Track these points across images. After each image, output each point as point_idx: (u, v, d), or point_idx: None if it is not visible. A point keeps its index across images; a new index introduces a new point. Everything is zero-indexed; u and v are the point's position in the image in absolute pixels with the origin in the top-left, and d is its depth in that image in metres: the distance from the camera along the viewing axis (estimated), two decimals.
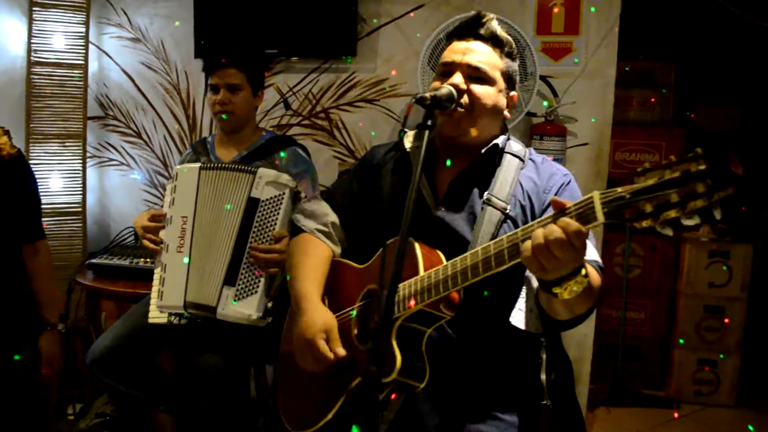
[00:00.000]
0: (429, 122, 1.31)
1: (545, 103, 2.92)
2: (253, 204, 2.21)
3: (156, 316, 2.30)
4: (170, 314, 2.27)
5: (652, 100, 3.99)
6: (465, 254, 1.33)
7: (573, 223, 1.14)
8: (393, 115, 3.27)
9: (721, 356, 3.86)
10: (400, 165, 1.66)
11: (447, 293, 1.34)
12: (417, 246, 1.45)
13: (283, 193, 2.21)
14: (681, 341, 3.91)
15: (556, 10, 2.96)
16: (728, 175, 1.00)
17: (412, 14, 3.18)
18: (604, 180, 3.02)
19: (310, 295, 1.58)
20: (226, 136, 2.60)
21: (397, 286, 1.21)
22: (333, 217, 1.72)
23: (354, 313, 1.54)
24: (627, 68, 3.88)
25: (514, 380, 1.56)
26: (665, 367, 4.08)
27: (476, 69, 1.56)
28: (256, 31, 3.26)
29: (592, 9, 2.91)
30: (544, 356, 1.59)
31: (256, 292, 2.15)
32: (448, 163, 1.61)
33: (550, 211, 1.51)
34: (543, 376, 1.55)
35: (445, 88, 1.48)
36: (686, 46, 4.17)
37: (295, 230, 1.77)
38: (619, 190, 1.10)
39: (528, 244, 1.19)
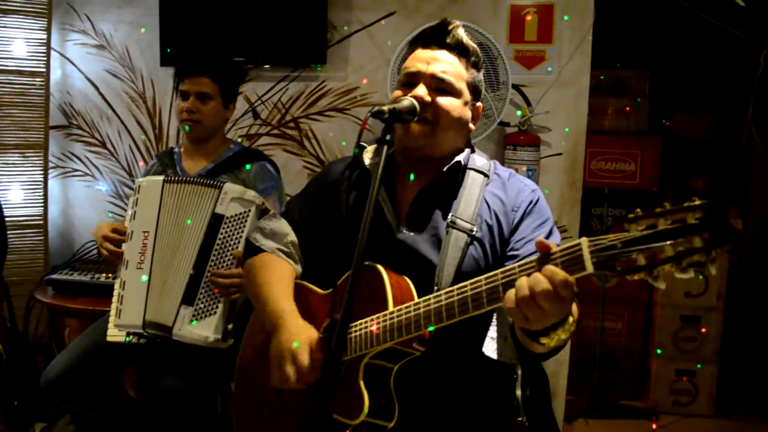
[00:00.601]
0: (388, 137, 1.23)
1: (519, 113, 2.86)
2: (216, 220, 2.13)
3: (114, 334, 2.20)
4: (128, 333, 2.17)
5: (627, 108, 3.95)
6: (439, 292, 1.25)
7: (560, 273, 1.07)
8: None
9: (699, 366, 3.83)
10: (359, 182, 1.58)
11: (419, 333, 1.26)
12: (385, 274, 1.36)
13: (249, 211, 2.13)
14: (659, 351, 3.87)
15: (529, 18, 2.91)
16: (728, 229, 0.94)
17: (383, 22, 3.12)
18: (578, 190, 2.97)
19: (288, 312, 1.47)
20: (192, 147, 2.51)
21: (347, 326, 1.13)
22: (293, 237, 1.63)
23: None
24: (602, 77, 3.85)
25: (488, 399, 1.49)
26: (643, 377, 4.04)
27: (441, 80, 1.48)
28: (224, 38, 3.18)
29: (566, 17, 2.86)
30: (519, 372, 1.53)
31: (215, 313, 2.06)
32: (412, 177, 1.53)
33: (521, 233, 1.46)
34: (518, 392, 1.49)
35: (407, 101, 1.40)
36: (660, 53, 4.15)
37: (252, 250, 1.68)
38: (611, 237, 1.03)
39: (511, 294, 1.11)
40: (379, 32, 3.13)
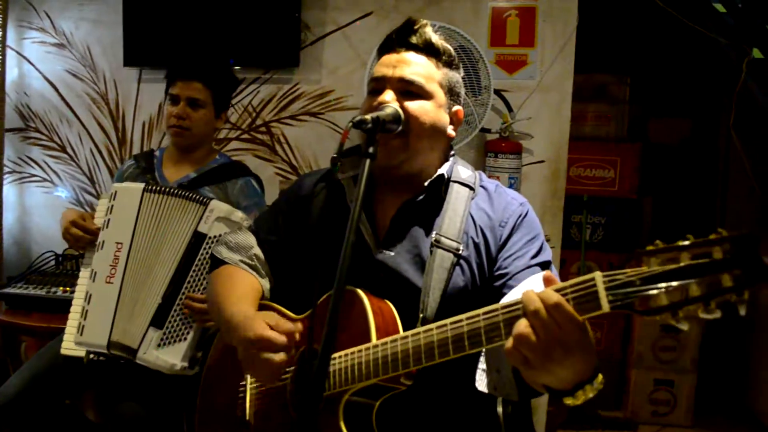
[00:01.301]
0: (371, 149, 1.11)
1: (502, 121, 2.76)
2: (198, 239, 1.99)
3: (71, 348, 2.04)
4: (89, 352, 2.01)
5: (608, 114, 3.89)
6: (430, 326, 1.12)
7: (567, 310, 0.94)
8: (339, 129, 3.08)
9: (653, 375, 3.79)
10: (333, 198, 1.46)
11: (407, 370, 1.13)
12: (366, 300, 1.24)
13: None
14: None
15: (510, 20, 2.81)
16: (760, 267, 0.84)
17: (358, 23, 3.00)
18: (561, 199, 2.89)
19: (251, 315, 1.31)
20: (177, 154, 2.36)
21: (328, 362, 1.00)
22: (257, 250, 1.51)
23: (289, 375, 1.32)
24: (580, 81, 3.78)
25: (469, 418, 1.37)
26: (621, 387, 3.98)
27: (409, 83, 1.36)
28: (192, 38, 3.04)
29: (548, 21, 2.77)
30: None
31: (185, 339, 1.92)
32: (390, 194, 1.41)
33: (509, 249, 1.34)
34: (500, 410, 1.38)
35: (390, 108, 1.28)
36: (640, 58, 4.09)
37: (215, 264, 1.55)
38: (628, 273, 0.92)
39: (510, 341, 0.98)
40: (355, 33, 3.02)
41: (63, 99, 3.31)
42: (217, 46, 3.03)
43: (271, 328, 1.20)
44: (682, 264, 0.88)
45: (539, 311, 0.94)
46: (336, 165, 1.32)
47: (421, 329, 1.13)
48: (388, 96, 1.34)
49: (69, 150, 3.34)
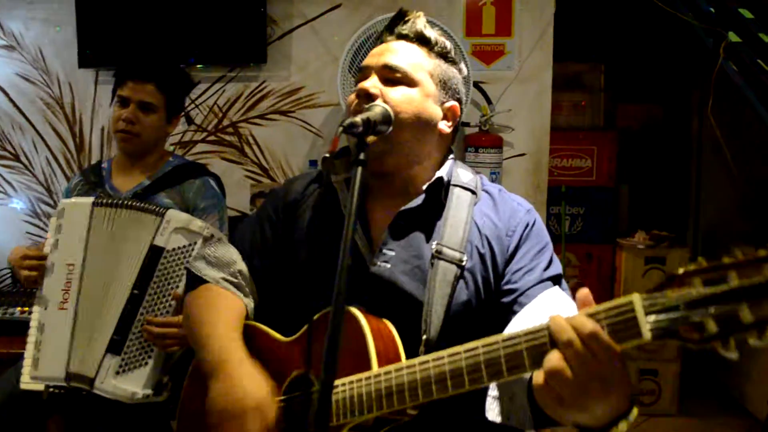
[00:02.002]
0: (362, 156, 0.98)
1: (481, 114, 2.67)
2: (155, 253, 1.83)
3: (29, 381, 1.88)
4: (48, 386, 1.85)
5: (582, 103, 3.83)
6: (440, 353, 1.00)
7: (603, 340, 0.84)
8: (311, 128, 2.95)
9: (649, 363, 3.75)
10: (326, 203, 1.33)
11: (415, 403, 1.02)
12: (363, 321, 1.11)
13: (194, 244, 1.83)
14: None
15: (486, 9, 2.71)
16: None
17: (327, 15, 2.87)
18: (543, 192, 2.81)
19: (233, 355, 1.20)
20: (127, 161, 2.19)
21: (330, 396, 0.88)
22: (241, 265, 1.36)
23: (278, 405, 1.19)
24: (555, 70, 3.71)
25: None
26: None
27: (392, 69, 1.24)
28: (151, 35, 2.89)
29: (525, 8, 2.68)
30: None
31: (146, 364, 1.77)
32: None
33: (518, 262, 1.22)
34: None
35: (378, 107, 1.15)
36: (613, 45, 4.04)
37: (192, 282, 1.39)
38: (671, 295, 0.81)
39: (541, 376, 0.88)
40: (324, 27, 2.90)
41: (14, 104, 3.11)
42: (179, 43, 2.89)
43: None
44: (731, 285, 0.78)
45: (573, 342, 0.84)
46: (329, 168, 1.19)
47: (430, 357, 1.01)
48: (368, 82, 1.23)
49: (23, 158, 3.15)
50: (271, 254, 1.35)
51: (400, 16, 1.30)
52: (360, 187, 0.99)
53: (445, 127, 1.31)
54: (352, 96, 1.26)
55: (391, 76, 1.24)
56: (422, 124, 1.26)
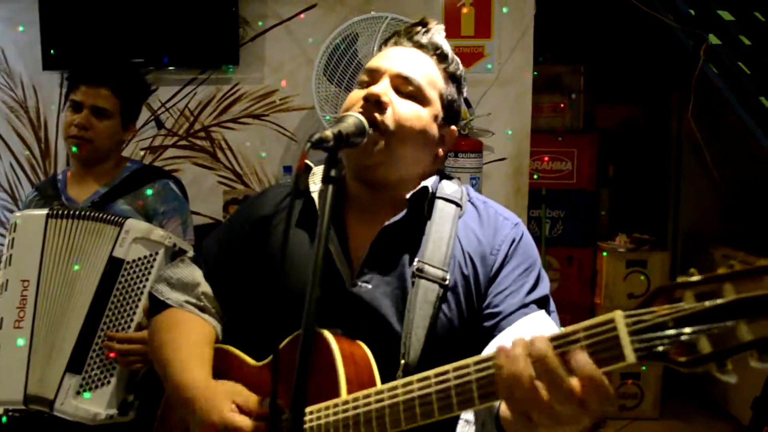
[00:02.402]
0: (333, 172, 0.90)
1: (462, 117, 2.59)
2: (115, 266, 1.73)
3: None
4: (6, 410, 1.75)
5: (561, 105, 3.78)
6: (409, 379, 0.93)
7: (587, 366, 0.76)
8: (285, 131, 2.87)
9: (644, 368, 3.72)
10: (302, 216, 1.24)
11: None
12: (334, 347, 1.04)
13: (156, 254, 1.74)
14: None
15: (465, 10, 2.65)
16: None
17: (302, 16, 2.80)
18: (524, 196, 2.75)
19: (199, 382, 1.13)
20: (82, 170, 2.08)
21: (301, 425, 0.80)
22: (205, 287, 1.28)
23: None
24: (535, 72, 3.66)
25: None
26: None
27: (408, 81, 1.16)
28: (119, 36, 2.78)
29: (505, 9, 2.62)
30: None
31: (109, 382, 1.68)
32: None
33: (501, 283, 1.14)
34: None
35: (351, 117, 1.06)
36: (592, 47, 4.00)
37: (155, 306, 1.31)
38: (658, 312, 0.73)
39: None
40: (299, 28, 2.82)
41: None
42: (148, 45, 2.79)
43: (240, 409, 1.05)
44: (727, 299, 0.71)
45: (518, 374, 0.78)
46: (305, 183, 1.10)
47: (399, 383, 0.94)
48: (379, 87, 1.14)
49: None
50: (239, 272, 1.26)
51: (423, 24, 1.22)
52: (339, 201, 0.92)
53: (441, 150, 1.24)
54: (357, 96, 1.16)
55: (405, 88, 1.16)
56: (423, 144, 1.19)
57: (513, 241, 1.18)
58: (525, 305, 1.12)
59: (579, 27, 3.95)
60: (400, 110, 1.15)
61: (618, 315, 0.75)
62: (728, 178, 3.64)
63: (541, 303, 1.14)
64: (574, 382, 0.76)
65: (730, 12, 3.39)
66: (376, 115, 1.12)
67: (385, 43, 1.25)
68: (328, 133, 0.93)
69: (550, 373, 0.77)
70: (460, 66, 1.26)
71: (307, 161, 1.23)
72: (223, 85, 2.88)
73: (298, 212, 1.24)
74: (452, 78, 1.23)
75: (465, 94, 1.31)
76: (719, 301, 0.70)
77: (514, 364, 0.79)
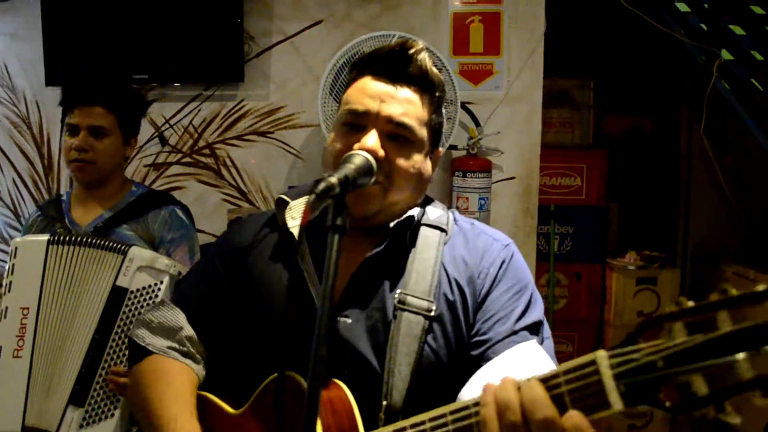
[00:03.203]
0: (339, 221, 0.84)
1: (469, 136, 2.55)
2: (118, 295, 1.69)
3: None
4: None
5: (572, 121, 3.73)
6: (384, 430, 0.88)
7: (574, 418, 0.70)
8: (290, 149, 2.82)
9: None
10: (280, 247, 1.19)
11: None
12: None
13: (160, 283, 1.69)
14: None
15: (474, 27, 2.59)
16: None
17: (308, 32, 2.76)
18: (534, 217, 2.70)
19: None
20: (85, 192, 2.04)
21: None
22: (188, 330, 1.21)
23: None
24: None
25: None
26: None
27: (400, 126, 1.10)
28: (122, 52, 2.75)
29: (513, 27, 2.58)
30: None
31: (113, 415, 1.63)
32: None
33: (490, 309, 1.08)
34: None
35: (358, 158, 0.99)
36: (601, 61, 3.95)
37: (136, 352, 1.23)
38: (645, 349, 0.66)
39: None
40: (304, 44, 2.78)
41: None
42: (151, 61, 2.75)
43: None
44: (722, 330, 0.62)
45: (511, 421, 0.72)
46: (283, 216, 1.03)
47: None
48: (372, 140, 1.07)
49: None
50: (220, 311, 1.21)
51: (404, 51, 1.13)
52: (318, 229, 0.86)
53: (430, 177, 1.19)
54: (345, 145, 1.10)
55: (395, 133, 1.11)
56: (420, 183, 1.15)
57: (502, 262, 1.13)
58: (515, 332, 1.05)
59: (588, 41, 3.90)
60: (397, 163, 1.10)
61: (600, 356, 0.69)
62: (740, 193, 3.58)
63: (534, 329, 1.07)
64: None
65: (742, 27, 3.34)
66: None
67: (363, 66, 1.18)
68: (333, 180, 0.88)
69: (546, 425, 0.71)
70: (443, 84, 1.20)
71: (282, 195, 1.20)
72: (227, 102, 2.84)
73: (272, 247, 1.20)
74: (437, 105, 1.18)
75: (448, 108, 1.24)
76: (714, 333, 0.63)
77: (506, 416, 0.73)
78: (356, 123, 1.11)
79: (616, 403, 0.66)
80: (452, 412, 0.80)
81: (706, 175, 3.81)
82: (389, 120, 1.10)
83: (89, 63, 2.76)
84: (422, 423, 0.82)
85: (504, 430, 0.73)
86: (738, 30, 3.52)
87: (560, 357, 2.42)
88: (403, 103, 1.11)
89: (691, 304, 0.65)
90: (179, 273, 1.72)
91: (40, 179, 2.97)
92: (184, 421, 1.07)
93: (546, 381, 0.72)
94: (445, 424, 0.79)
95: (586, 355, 0.70)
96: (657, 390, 0.65)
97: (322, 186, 0.85)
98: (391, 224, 1.13)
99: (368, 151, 1.05)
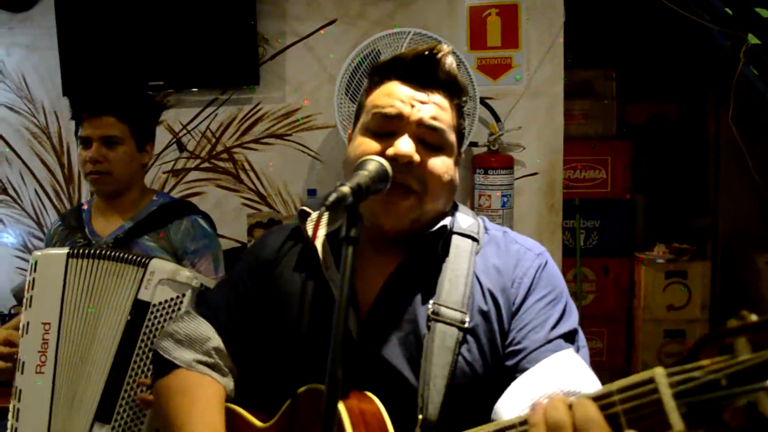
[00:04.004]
0: (352, 232, 0.80)
1: (489, 132, 2.49)
2: (140, 309, 1.66)
3: None
4: None
5: (595, 112, 3.65)
6: None
7: None
8: (309, 151, 2.79)
9: None
10: (305, 264, 1.16)
11: None
12: (342, 410, 0.94)
13: (182, 296, 1.66)
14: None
15: (491, 20, 2.54)
16: None
17: (322, 31, 2.72)
18: (558, 214, 2.63)
19: None
20: (105, 203, 2.02)
21: None
22: (216, 341, 1.19)
23: None
24: (564, 78, 3.54)
25: None
26: None
27: (433, 130, 1.07)
28: (137, 59, 2.74)
29: (531, 19, 2.52)
30: None
31: (140, 431, 1.61)
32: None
33: (524, 317, 1.05)
34: None
35: (372, 164, 0.95)
36: (624, 50, 3.86)
37: (162, 366, 1.20)
38: (705, 366, 0.62)
39: None
40: (319, 44, 2.75)
41: (0, 135, 2.97)
42: (167, 68, 2.74)
43: None
44: None
45: None
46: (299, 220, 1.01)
47: None
48: (407, 145, 1.04)
49: (11, 191, 3.01)
50: (247, 323, 1.18)
51: (432, 57, 1.10)
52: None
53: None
54: (373, 150, 1.05)
55: (429, 138, 1.07)
56: (451, 191, 1.12)
57: (536, 271, 1.09)
58: (550, 341, 1.02)
59: (609, 30, 3.82)
60: (432, 169, 1.06)
61: (659, 373, 0.64)
62: None
63: (569, 338, 1.04)
64: None
65: None
66: (407, 176, 1.04)
67: (386, 70, 1.13)
68: (345, 189, 0.83)
69: None
70: (467, 89, 1.17)
71: (304, 207, 1.19)
72: (244, 105, 2.82)
73: (297, 259, 1.17)
74: (461, 109, 1.15)
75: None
76: None
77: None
78: (386, 128, 1.07)
79: (677, 423, 0.62)
80: (522, 422, 0.75)
81: (736, 164, 3.70)
82: (421, 124, 1.06)
83: (106, 71, 2.76)
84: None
85: None
86: (765, 13, 3.40)
87: (591, 352, 2.35)
88: (432, 108, 1.08)
89: (754, 318, 0.61)
90: (201, 285, 1.69)
91: (62, 189, 2.98)
92: None
93: (599, 399, 0.68)
94: None
95: (642, 372, 0.66)
96: (721, 410, 0.61)
97: (333, 196, 0.81)
98: (426, 233, 1.09)
99: (401, 155, 1.02)
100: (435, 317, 1.04)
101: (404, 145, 1.03)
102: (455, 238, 1.12)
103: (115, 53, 2.75)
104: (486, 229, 1.17)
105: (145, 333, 1.65)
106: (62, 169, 2.97)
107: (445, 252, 1.11)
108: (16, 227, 3.03)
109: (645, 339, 3.66)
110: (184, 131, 2.84)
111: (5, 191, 3.01)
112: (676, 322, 3.61)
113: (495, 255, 1.12)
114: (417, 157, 1.04)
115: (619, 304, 3.78)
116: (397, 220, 1.06)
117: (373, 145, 1.06)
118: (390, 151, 1.03)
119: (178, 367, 1.17)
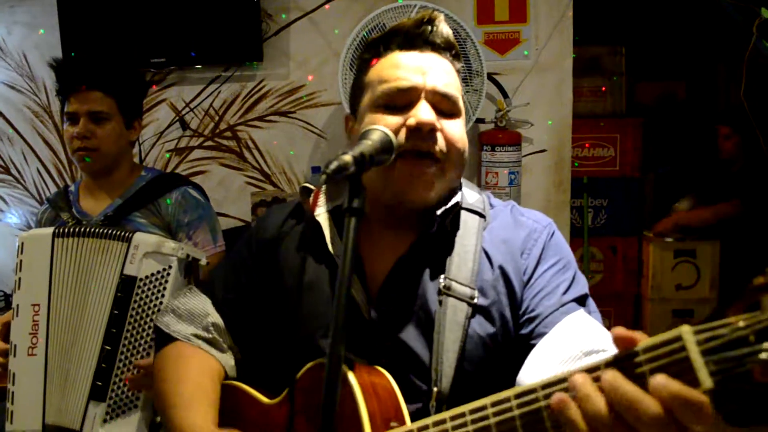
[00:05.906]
0: (355, 203, 0.77)
1: (497, 108, 2.44)
2: (127, 284, 1.63)
3: None
4: None
5: (603, 89, 3.60)
6: (442, 416, 0.78)
7: (671, 386, 0.60)
8: (314, 129, 2.76)
9: None
10: (308, 240, 1.14)
11: None
12: (353, 381, 0.93)
13: (169, 267, 1.64)
14: None
15: None
16: None
17: (327, 6, 2.68)
18: (566, 191, 2.60)
19: (200, 426, 1.04)
20: (93, 182, 1.99)
21: None
22: (215, 317, 1.18)
23: None
24: (573, 55, 3.49)
25: None
26: None
27: (446, 98, 1.05)
28: (139, 35, 2.70)
29: None
30: None
31: (136, 407, 1.59)
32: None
33: (536, 285, 1.04)
34: None
35: (376, 133, 0.91)
36: (633, 26, 3.80)
37: (162, 339, 1.22)
38: (732, 323, 0.60)
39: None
40: (324, 19, 2.70)
41: (1, 114, 2.95)
42: (168, 44, 2.70)
43: None
44: None
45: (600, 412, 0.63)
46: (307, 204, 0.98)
47: (430, 420, 0.81)
48: (428, 113, 1.02)
49: (13, 171, 2.99)
50: (249, 302, 1.17)
51: (430, 20, 1.09)
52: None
53: None
54: (393, 124, 1.02)
55: (443, 106, 1.06)
56: (465, 159, 1.11)
57: (545, 240, 1.09)
58: (563, 304, 1.01)
59: (618, 5, 3.75)
60: (451, 135, 1.05)
61: (685, 331, 0.61)
62: None
63: (580, 302, 1.04)
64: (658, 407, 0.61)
65: None
66: (431, 144, 1.02)
67: (387, 41, 1.10)
68: (347, 157, 0.80)
69: (633, 404, 0.62)
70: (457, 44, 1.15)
71: (306, 184, 1.16)
72: (247, 83, 2.78)
73: (299, 237, 1.16)
74: (457, 61, 1.14)
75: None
76: None
77: (589, 404, 0.65)
78: (400, 101, 1.05)
79: (706, 381, 0.60)
80: (517, 396, 0.72)
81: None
82: (436, 92, 1.04)
83: (106, 48, 2.72)
84: (483, 408, 0.75)
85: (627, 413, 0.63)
86: None
87: None
88: (443, 74, 1.07)
89: None
90: (188, 256, 1.67)
91: (64, 168, 2.96)
92: (196, 410, 1.04)
93: (624, 359, 0.65)
94: (509, 409, 0.72)
95: (668, 331, 0.63)
96: (751, 371, 0.59)
97: (334, 165, 0.77)
98: (438, 212, 1.08)
99: (424, 123, 1.00)
100: (447, 292, 1.04)
101: (425, 113, 1.02)
102: (463, 214, 1.12)
103: (117, 30, 2.71)
104: (492, 205, 1.17)
105: (133, 308, 1.62)
106: (64, 148, 2.95)
107: (454, 227, 1.10)
108: (19, 206, 3.01)
109: (653, 319, 3.62)
110: (187, 109, 2.81)
111: (8, 171, 2.99)
112: (685, 301, 3.57)
113: (502, 229, 1.12)
114: (438, 124, 1.02)
115: (627, 283, 3.75)
116: (426, 191, 1.04)
117: (392, 120, 1.03)
118: (411, 121, 1.01)
119: (176, 339, 1.18)
